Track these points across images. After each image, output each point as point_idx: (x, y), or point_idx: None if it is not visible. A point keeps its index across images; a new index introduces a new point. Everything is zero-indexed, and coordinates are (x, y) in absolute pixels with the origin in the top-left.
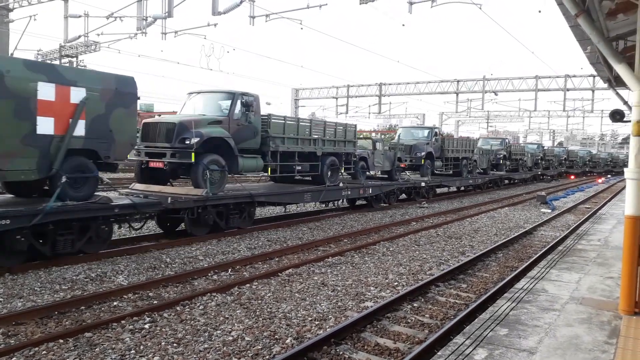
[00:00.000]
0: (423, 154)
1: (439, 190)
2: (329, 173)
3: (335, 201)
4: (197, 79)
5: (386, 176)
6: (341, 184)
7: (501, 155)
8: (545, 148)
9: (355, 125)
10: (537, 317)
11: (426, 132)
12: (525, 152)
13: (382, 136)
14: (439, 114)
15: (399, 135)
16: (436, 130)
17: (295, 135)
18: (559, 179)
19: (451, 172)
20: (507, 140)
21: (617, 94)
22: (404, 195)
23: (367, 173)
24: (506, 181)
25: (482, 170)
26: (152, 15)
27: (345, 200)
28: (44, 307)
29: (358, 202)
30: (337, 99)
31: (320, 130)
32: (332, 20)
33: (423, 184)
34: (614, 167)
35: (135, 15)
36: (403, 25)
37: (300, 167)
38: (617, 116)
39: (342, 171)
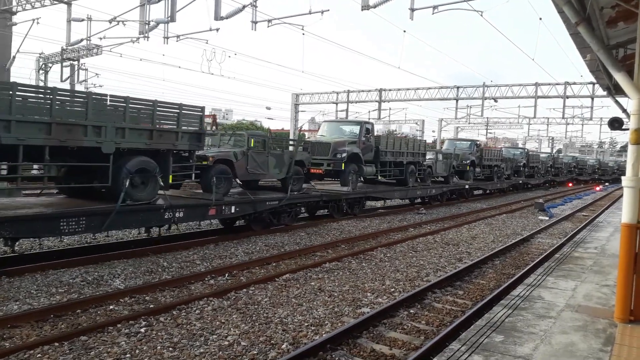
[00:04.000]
0: (344, 155)
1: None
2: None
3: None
4: (198, 82)
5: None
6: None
7: (468, 161)
8: (530, 153)
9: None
10: (532, 324)
11: (355, 128)
12: (502, 157)
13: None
14: (439, 120)
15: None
16: (368, 126)
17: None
18: (548, 188)
19: (393, 180)
20: (478, 143)
21: (617, 101)
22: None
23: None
24: (479, 191)
25: (442, 179)
26: (154, 20)
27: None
28: (40, 310)
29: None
30: (337, 104)
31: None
32: (334, 26)
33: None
34: (602, 174)
35: (137, 19)
36: (404, 31)
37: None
38: (615, 124)
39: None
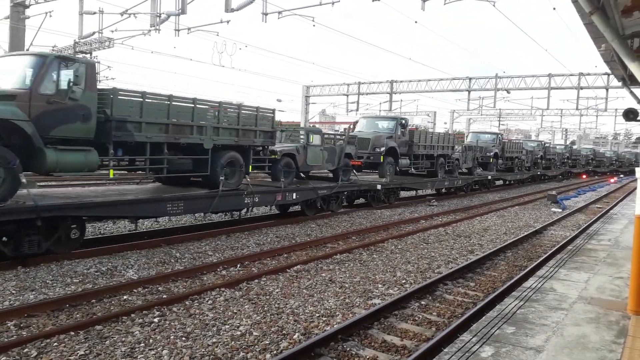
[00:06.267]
0: (383, 149)
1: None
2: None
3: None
4: (209, 75)
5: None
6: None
7: (383, 149)
8: (509, 141)
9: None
10: (544, 316)
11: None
12: (455, 145)
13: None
14: (451, 112)
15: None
16: (403, 121)
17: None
18: (562, 179)
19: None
20: (403, 121)
21: (632, 92)
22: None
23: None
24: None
25: (330, 174)
26: (165, 12)
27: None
28: (55, 299)
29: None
30: (347, 96)
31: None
32: (345, 17)
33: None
34: (598, 166)
35: (149, 12)
36: (415, 22)
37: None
38: (630, 115)
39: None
